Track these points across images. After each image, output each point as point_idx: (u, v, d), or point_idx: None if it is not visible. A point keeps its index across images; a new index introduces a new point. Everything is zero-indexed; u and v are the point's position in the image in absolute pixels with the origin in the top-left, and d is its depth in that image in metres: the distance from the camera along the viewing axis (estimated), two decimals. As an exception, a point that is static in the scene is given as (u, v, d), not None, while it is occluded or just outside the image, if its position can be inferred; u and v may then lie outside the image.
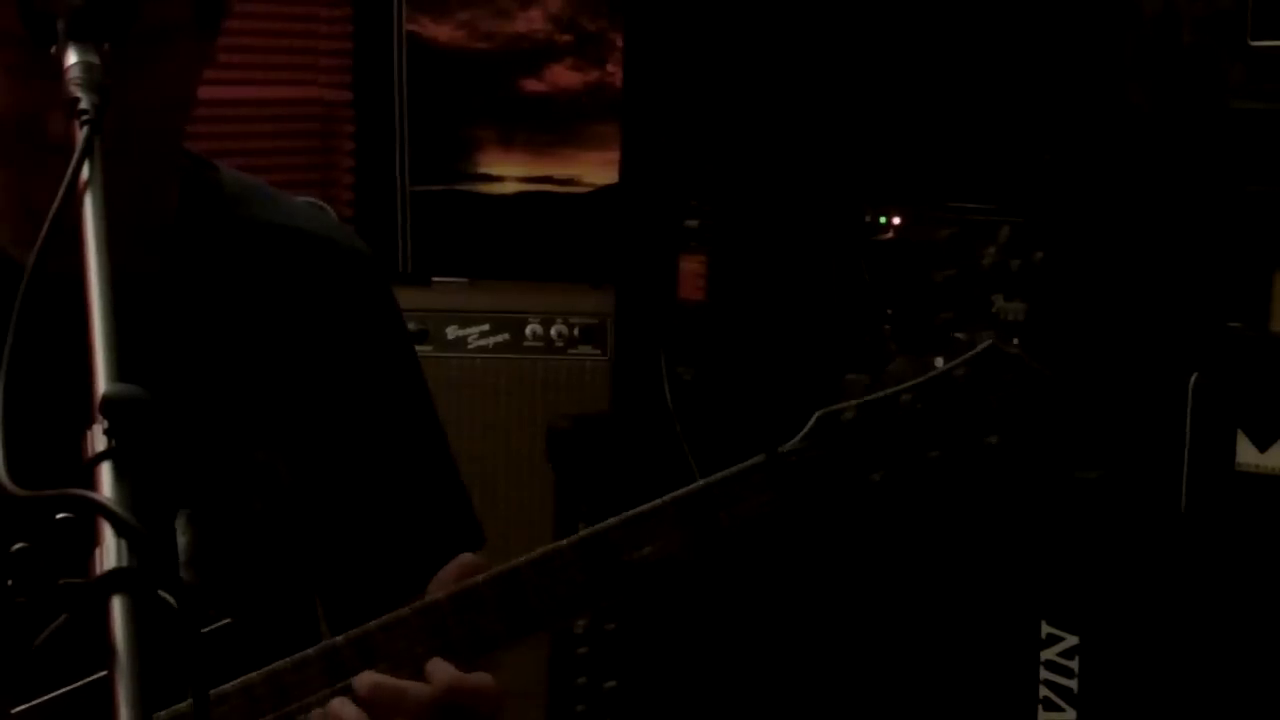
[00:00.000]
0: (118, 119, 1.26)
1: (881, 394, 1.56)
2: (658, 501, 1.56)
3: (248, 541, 1.67)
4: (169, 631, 1.01)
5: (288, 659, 1.54)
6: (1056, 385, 1.60)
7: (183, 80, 1.67)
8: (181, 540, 1.48)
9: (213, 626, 1.22)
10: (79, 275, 1.12)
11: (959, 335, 1.57)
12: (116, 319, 1.09)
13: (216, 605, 1.37)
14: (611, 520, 1.56)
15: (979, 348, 1.58)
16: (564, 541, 1.56)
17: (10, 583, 0.99)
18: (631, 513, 1.56)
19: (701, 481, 1.56)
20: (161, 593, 0.99)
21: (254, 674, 1.52)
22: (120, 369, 1.07)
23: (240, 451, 1.70)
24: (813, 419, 1.57)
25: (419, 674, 1.54)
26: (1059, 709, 3.16)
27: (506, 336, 4.21)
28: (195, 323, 1.72)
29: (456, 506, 1.90)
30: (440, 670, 1.54)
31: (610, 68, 4.54)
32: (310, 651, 1.55)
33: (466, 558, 1.59)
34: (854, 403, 1.56)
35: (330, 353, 1.79)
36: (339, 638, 1.57)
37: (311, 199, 4.08)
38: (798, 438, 1.56)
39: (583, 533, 1.56)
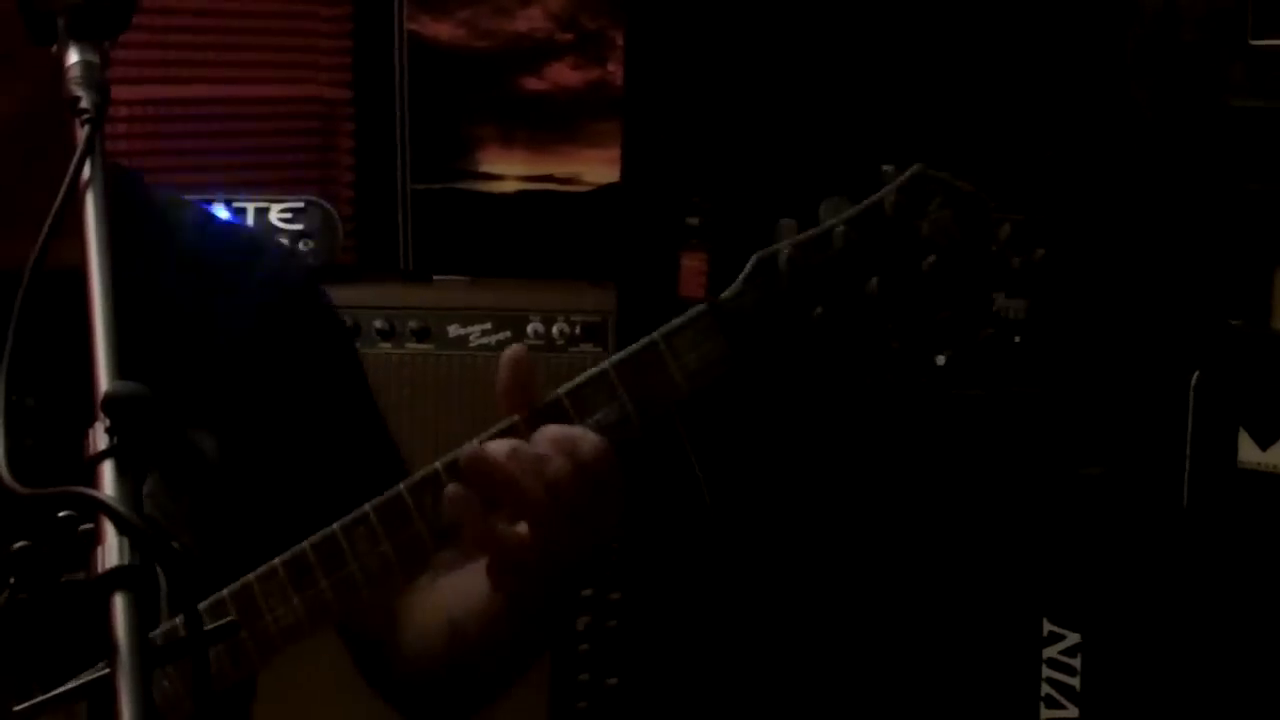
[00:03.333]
0: None
1: (815, 231, 1.54)
2: (604, 365, 1.52)
3: (183, 521, 1.66)
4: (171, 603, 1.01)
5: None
6: (986, 202, 1.59)
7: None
8: None
9: (216, 625, 1.22)
10: (75, 270, 1.12)
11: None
12: (118, 317, 1.09)
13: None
14: (559, 390, 1.52)
15: (906, 173, 1.57)
16: (515, 417, 1.52)
17: (12, 580, 0.99)
18: (578, 380, 1.52)
19: (644, 339, 1.52)
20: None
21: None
22: (118, 366, 1.07)
23: (173, 434, 1.69)
24: (750, 262, 1.53)
25: None
26: (1061, 706, 3.16)
27: (508, 334, 4.20)
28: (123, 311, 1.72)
29: (376, 433, 1.89)
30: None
31: (611, 66, 4.54)
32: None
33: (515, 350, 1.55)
34: (788, 242, 1.54)
35: (257, 336, 1.79)
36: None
37: (312, 198, 4.09)
38: (736, 282, 1.53)
39: (535, 404, 1.52)
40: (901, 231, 1.54)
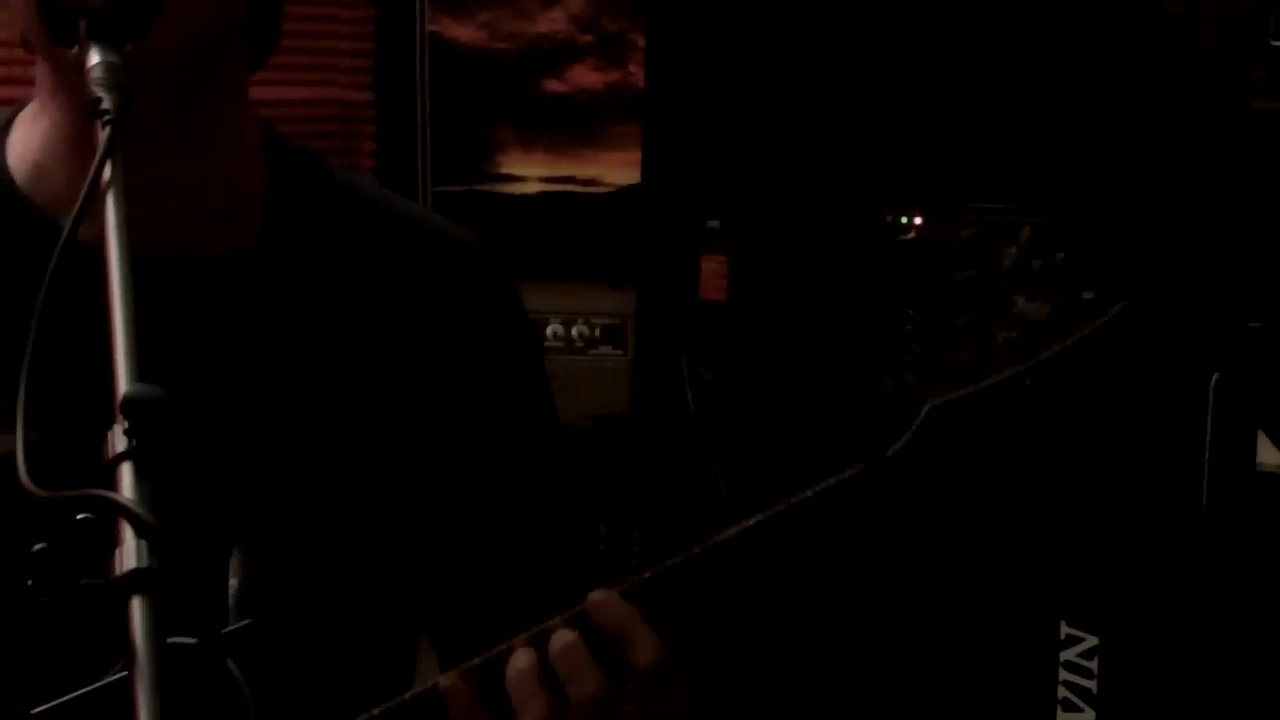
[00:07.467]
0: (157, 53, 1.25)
1: (999, 379, 1.31)
2: (744, 525, 1.37)
3: (314, 568, 1.51)
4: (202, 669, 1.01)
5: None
6: (1204, 348, 1.37)
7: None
8: (232, 583, 1.36)
9: (231, 628, 1.22)
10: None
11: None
12: (137, 319, 1.09)
13: (267, 644, 1.26)
14: (696, 549, 1.37)
15: (1112, 311, 1.33)
16: (645, 570, 1.37)
17: (31, 583, 0.99)
18: (714, 540, 1.37)
19: (792, 500, 1.36)
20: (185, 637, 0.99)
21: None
22: (150, 366, 1.06)
23: (324, 455, 1.54)
24: (922, 412, 1.32)
25: None
26: (1078, 709, 3.15)
27: (527, 336, 4.21)
28: (291, 309, 1.57)
29: (576, 536, 1.72)
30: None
31: (632, 68, 4.54)
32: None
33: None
34: (967, 391, 1.31)
35: (443, 353, 1.62)
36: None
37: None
38: (906, 436, 1.33)
39: (667, 563, 1.37)
40: (1102, 384, 1.33)
